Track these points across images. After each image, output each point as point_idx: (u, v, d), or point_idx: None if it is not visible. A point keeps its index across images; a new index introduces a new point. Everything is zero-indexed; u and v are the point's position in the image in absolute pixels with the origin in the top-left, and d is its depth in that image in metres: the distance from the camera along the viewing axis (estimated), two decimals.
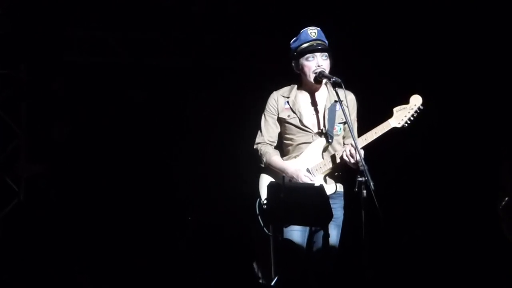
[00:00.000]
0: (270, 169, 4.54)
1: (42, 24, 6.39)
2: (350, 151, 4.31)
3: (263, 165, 4.56)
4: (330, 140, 4.48)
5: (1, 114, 6.56)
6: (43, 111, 6.55)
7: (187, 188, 6.63)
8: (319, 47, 4.43)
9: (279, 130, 4.60)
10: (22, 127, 6.59)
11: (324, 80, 4.50)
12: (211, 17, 6.51)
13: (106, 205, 6.50)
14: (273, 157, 4.53)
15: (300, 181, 4.40)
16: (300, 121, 4.52)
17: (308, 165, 4.46)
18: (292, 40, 4.55)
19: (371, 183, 4.03)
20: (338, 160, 4.43)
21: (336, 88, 4.37)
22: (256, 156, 4.59)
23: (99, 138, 6.62)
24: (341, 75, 4.36)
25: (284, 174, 4.40)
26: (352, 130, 4.28)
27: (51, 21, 6.37)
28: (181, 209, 6.55)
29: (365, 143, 4.39)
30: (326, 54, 4.46)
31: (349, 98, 4.49)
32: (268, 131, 4.60)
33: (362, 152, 4.26)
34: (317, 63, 4.43)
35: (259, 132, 4.62)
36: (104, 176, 6.59)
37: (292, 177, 4.41)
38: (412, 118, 4.44)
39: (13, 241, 6.23)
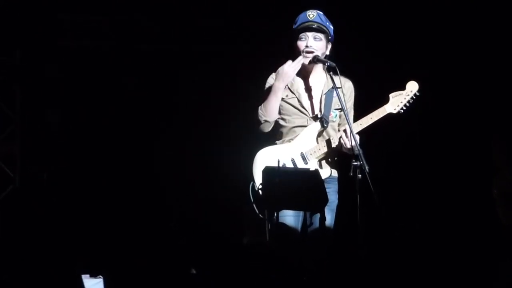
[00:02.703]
0: (265, 152, 4.50)
1: (35, 9, 6.36)
2: (346, 134, 4.32)
3: (262, 121, 4.45)
4: (325, 125, 4.48)
5: None
6: (37, 96, 6.53)
7: (180, 178, 6.60)
8: (312, 26, 4.41)
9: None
10: (17, 112, 6.57)
11: (321, 65, 4.49)
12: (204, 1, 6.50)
13: (99, 192, 6.48)
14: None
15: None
16: (299, 101, 4.52)
17: (303, 149, 4.47)
18: (294, 23, 4.53)
19: (366, 167, 4.04)
20: (333, 145, 4.45)
21: (331, 73, 4.34)
22: (255, 115, 4.47)
23: (91, 123, 6.60)
24: (338, 60, 4.36)
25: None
26: (348, 117, 4.28)
27: (44, 5, 6.35)
28: (177, 202, 6.53)
29: (360, 128, 4.41)
30: (320, 36, 4.44)
31: (347, 86, 4.50)
32: None
33: (357, 137, 4.29)
34: (307, 43, 4.42)
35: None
36: (96, 161, 6.57)
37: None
38: (408, 104, 4.47)
39: (8, 228, 6.22)
